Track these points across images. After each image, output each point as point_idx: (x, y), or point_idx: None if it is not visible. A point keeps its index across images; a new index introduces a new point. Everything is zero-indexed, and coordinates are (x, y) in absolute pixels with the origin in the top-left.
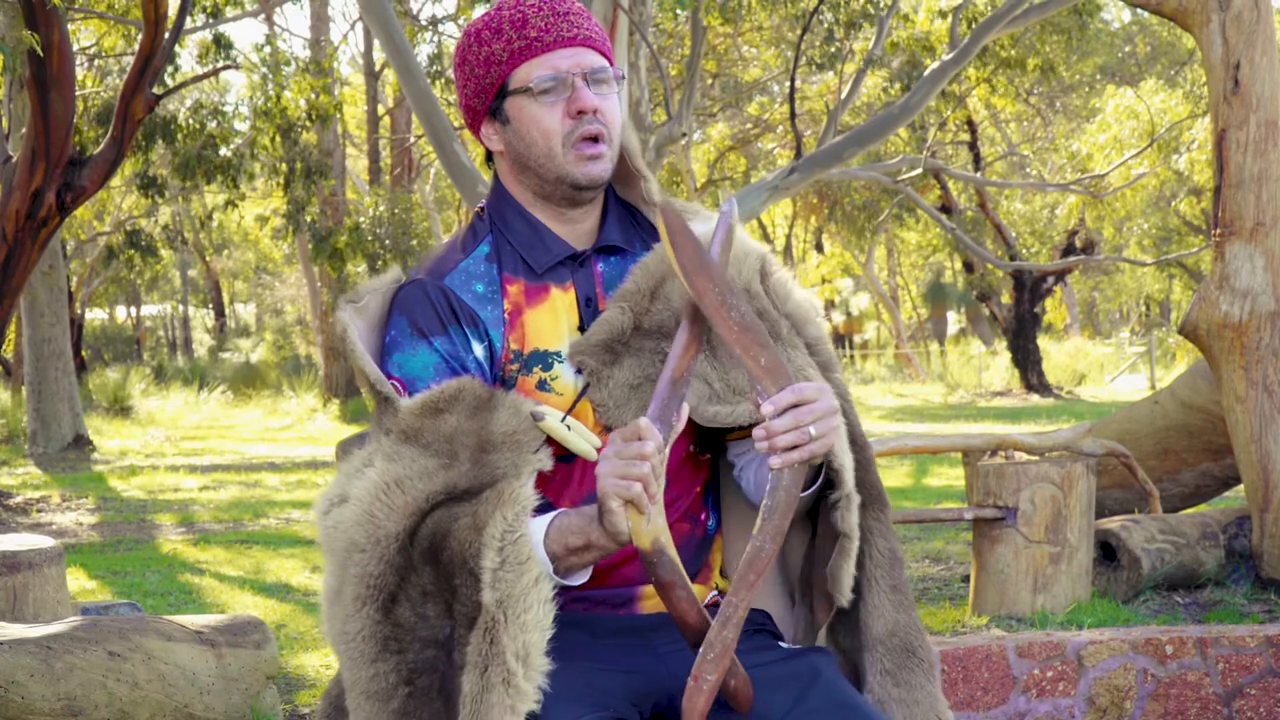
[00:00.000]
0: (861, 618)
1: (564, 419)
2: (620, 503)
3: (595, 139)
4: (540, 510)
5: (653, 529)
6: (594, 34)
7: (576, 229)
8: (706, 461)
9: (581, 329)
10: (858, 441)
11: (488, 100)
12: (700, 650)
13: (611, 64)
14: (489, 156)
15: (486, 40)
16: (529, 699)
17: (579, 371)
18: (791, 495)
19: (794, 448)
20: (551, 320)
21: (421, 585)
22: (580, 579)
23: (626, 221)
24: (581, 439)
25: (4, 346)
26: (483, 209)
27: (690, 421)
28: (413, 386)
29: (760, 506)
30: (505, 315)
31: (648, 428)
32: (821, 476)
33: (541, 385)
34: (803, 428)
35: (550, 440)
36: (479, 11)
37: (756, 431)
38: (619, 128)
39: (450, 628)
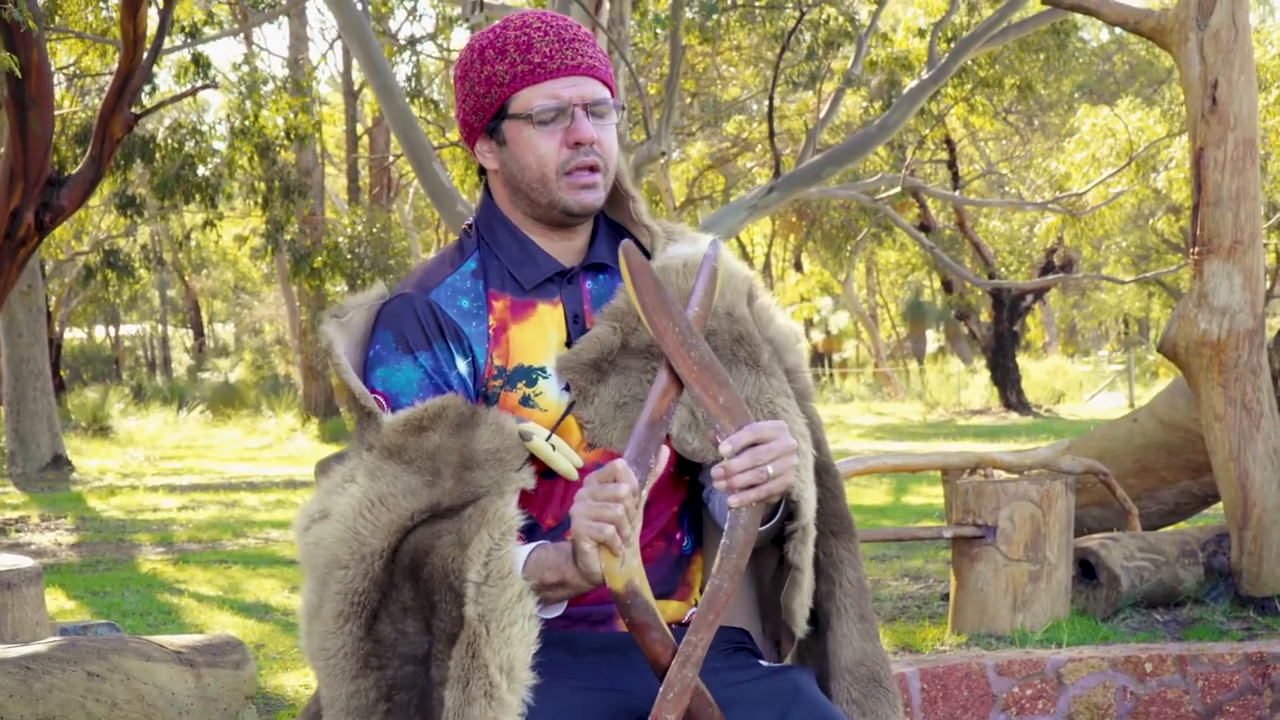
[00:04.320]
0: (829, 646)
1: (549, 437)
2: (593, 544)
3: (591, 168)
4: (524, 529)
5: (626, 571)
6: (598, 63)
7: (566, 247)
8: (685, 483)
9: (568, 345)
10: (830, 470)
11: (486, 119)
12: (660, 690)
13: (613, 93)
14: (480, 171)
15: (490, 60)
16: (512, 712)
17: (566, 388)
18: (750, 533)
19: (752, 486)
20: (538, 336)
21: (401, 601)
22: (554, 612)
23: (615, 241)
24: (565, 459)
25: None
26: (470, 225)
27: (670, 443)
28: (396, 402)
29: (720, 545)
30: (490, 331)
31: (624, 470)
32: (782, 509)
33: (525, 401)
34: (760, 467)
35: (533, 457)
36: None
37: (715, 470)
38: (615, 157)
39: (429, 644)
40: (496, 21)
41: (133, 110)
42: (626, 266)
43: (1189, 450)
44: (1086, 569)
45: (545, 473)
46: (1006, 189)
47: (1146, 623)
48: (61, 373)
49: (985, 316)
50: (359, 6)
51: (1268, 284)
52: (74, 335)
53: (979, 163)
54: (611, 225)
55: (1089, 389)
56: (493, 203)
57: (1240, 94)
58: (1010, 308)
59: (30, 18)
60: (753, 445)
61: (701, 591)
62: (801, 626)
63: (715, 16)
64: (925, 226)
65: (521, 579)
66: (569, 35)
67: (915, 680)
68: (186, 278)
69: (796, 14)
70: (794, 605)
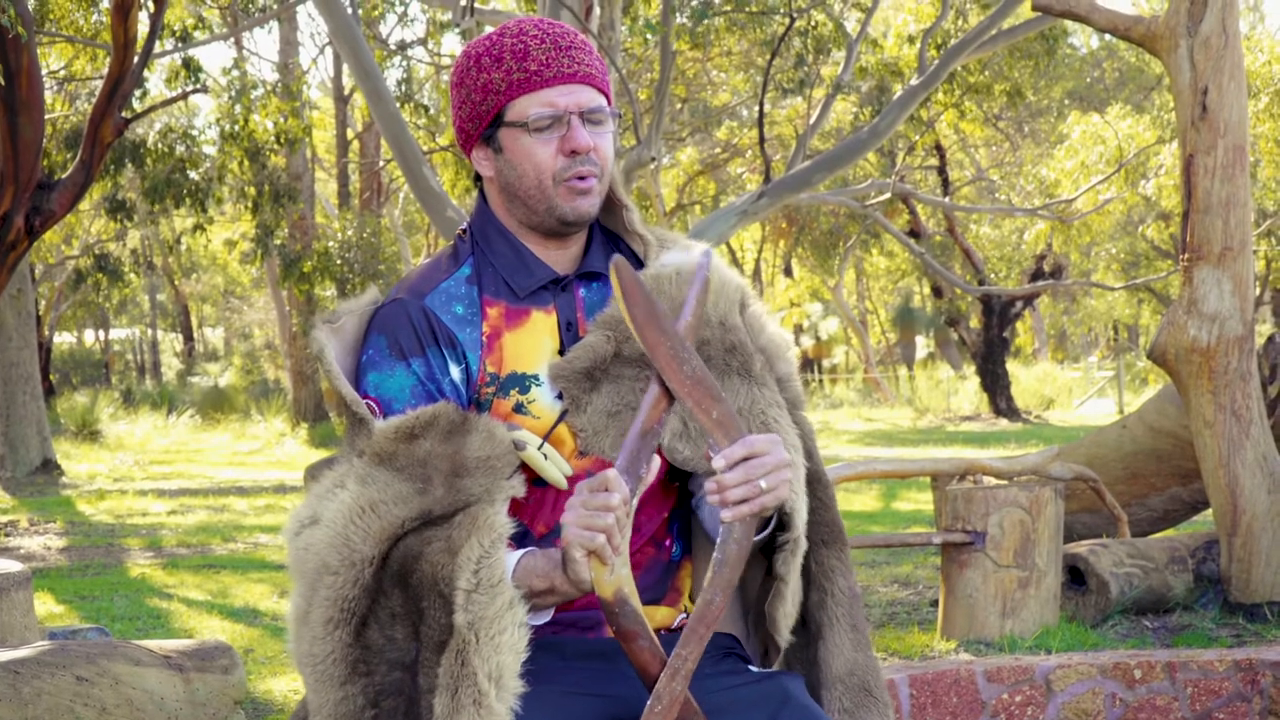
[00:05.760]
0: (821, 656)
1: (541, 445)
2: (584, 553)
3: (587, 176)
4: (515, 536)
5: (616, 579)
6: (594, 70)
7: (560, 254)
8: (675, 489)
9: (562, 353)
10: (822, 480)
11: (482, 127)
12: (649, 702)
13: (609, 100)
14: (476, 177)
15: (486, 67)
16: None
17: (559, 396)
18: (743, 548)
19: (745, 500)
20: (531, 343)
21: (390, 608)
22: (542, 619)
23: (609, 249)
24: (555, 468)
25: None
26: (465, 231)
27: (661, 452)
28: (389, 408)
29: (712, 558)
30: (484, 338)
31: (615, 479)
32: (774, 520)
33: (518, 408)
34: (753, 481)
35: (524, 465)
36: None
37: (708, 484)
38: (610, 165)
39: (417, 650)
40: (491, 28)
41: (123, 114)
42: (618, 281)
43: (1178, 457)
44: (1076, 575)
45: (536, 480)
46: (996, 195)
47: (1136, 629)
48: (51, 377)
49: (975, 322)
50: (349, 11)
51: (1257, 291)
52: (63, 339)
53: (969, 169)
54: (606, 233)
55: (1078, 395)
56: (488, 209)
57: (1230, 101)
58: (1000, 314)
59: (19, 23)
60: (746, 459)
61: (690, 598)
62: (785, 636)
63: (705, 22)
64: (915, 232)
65: (512, 587)
66: (565, 43)
67: (904, 687)
68: (176, 282)
69: (786, 20)
70: (778, 615)
